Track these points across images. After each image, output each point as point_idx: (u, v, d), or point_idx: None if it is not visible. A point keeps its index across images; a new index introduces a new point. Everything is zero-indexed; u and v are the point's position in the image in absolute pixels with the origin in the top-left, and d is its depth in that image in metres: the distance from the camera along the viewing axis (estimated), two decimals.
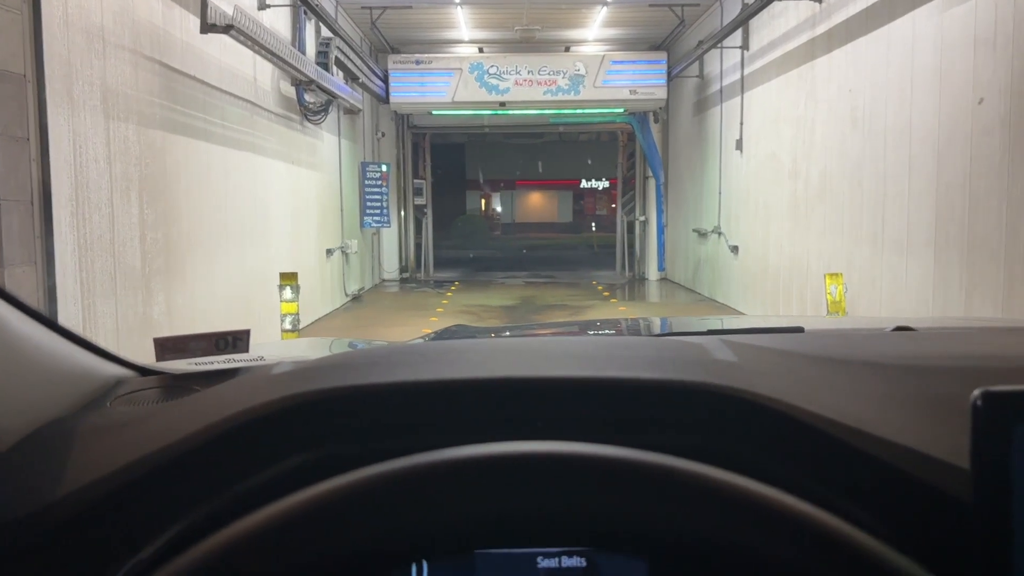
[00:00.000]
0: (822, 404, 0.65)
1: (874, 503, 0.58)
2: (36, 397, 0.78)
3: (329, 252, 10.89)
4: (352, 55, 10.60)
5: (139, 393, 0.88)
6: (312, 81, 8.68)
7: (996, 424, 0.49)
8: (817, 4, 7.91)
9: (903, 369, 0.80)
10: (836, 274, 5.06)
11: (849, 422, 0.62)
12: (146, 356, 1.00)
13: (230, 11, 6.15)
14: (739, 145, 10.50)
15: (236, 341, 0.99)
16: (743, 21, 9.52)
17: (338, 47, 9.83)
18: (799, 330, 1.19)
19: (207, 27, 5.80)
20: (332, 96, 9.89)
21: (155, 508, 0.60)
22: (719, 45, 10.54)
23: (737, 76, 10.57)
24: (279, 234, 8.67)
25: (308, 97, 9.44)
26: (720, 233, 11.37)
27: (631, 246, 16.11)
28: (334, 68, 9.88)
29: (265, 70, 8.19)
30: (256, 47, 6.77)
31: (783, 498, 0.50)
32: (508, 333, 2.06)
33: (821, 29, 7.83)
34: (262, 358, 0.98)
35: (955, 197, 5.52)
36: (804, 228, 8.35)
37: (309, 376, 0.73)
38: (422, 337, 1.67)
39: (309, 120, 9.78)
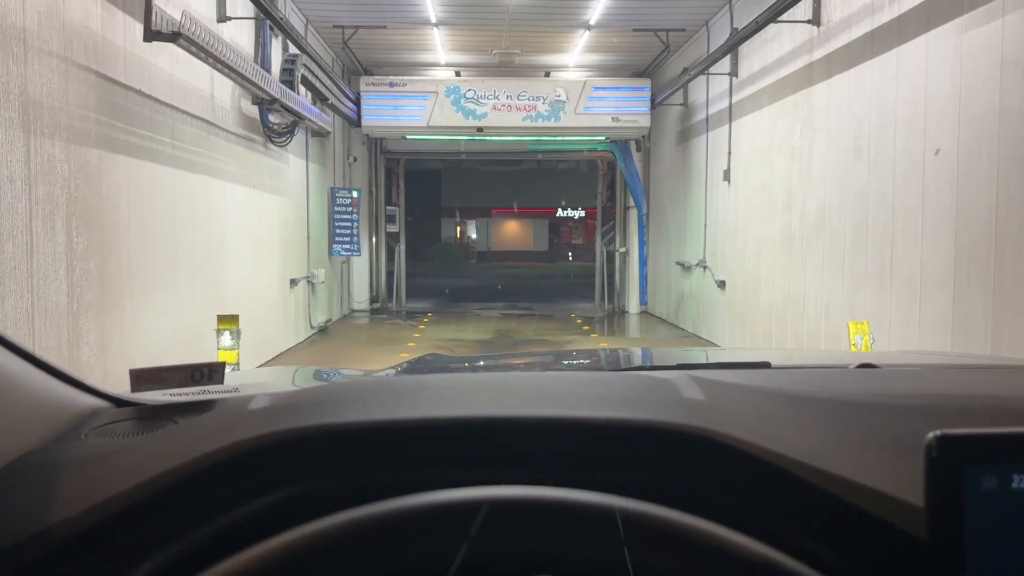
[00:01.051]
0: (785, 442, 0.66)
1: (834, 540, 0.59)
2: (9, 428, 0.75)
3: (293, 282, 10.22)
4: (321, 74, 10.03)
5: (115, 425, 0.86)
6: (276, 100, 8.07)
7: (949, 466, 0.51)
8: (815, 28, 7.49)
9: (864, 407, 0.81)
10: (861, 322, 4.54)
11: (811, 461, 0.63)
12: None
13: (179, 18, 5.54)
14: (727, 176, 10.03)
15: (211, 373, 1.00)
16: (732, 47, 9.09)
17: (305, 65, 9.24)
18: (766, 365, 1.22)
19: (151, 34, 5.18)
20: (299, 117, 9.28)
21: (133, 544, 0.60)
22: (706, 72, 10.11)
23: (725, 104, 10.14)
24: (236, 263, 7.99)
25: (273, 117, 8.82)
26: (705, 267, 10.87)
27: (611, 277, 15.60)
28: (300, 87, 9.28)
29: (224, 87, 7.57)
30: (210, 59, 6.16)
31: (744, 542, 0.50)
32: (482, 363, 2.03)
33: (819, 54, 7.39)
34: (237, 389, 0.97)
35: (978, 234, 5.02)
36: (800, 264, 7.85)
37: (286, 412, 0.73)
38: (396, 366, 1.64)
39: (273, 142, 9.16)
